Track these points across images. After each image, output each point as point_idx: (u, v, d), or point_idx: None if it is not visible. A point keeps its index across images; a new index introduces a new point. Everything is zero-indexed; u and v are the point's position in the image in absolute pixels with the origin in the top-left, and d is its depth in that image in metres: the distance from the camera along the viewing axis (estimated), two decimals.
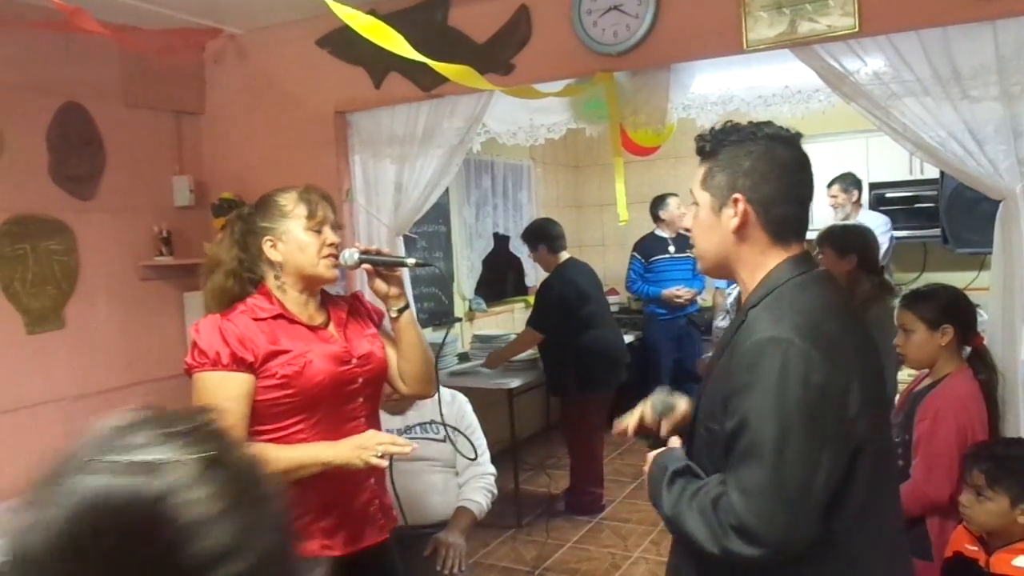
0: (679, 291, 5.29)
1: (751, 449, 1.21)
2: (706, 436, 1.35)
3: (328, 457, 1.76)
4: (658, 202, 5.46)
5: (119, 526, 0.54)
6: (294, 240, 1.86)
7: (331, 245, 1.88)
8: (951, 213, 4.23)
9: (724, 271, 1.44)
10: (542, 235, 4.45)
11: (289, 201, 1.88)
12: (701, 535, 1.25)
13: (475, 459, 2.69)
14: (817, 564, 1.25)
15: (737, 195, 1.34)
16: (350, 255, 1.91)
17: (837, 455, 1.22)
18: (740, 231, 1.35)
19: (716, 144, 1.39)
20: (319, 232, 1.87)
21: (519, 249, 5.62)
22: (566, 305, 4.27)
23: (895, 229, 4.97)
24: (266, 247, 1.87)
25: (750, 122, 1.40)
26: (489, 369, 4.47)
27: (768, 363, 1.22)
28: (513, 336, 4.87)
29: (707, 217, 1.40)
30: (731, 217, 1.35)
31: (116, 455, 0.59)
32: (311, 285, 1.91)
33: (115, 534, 0.54)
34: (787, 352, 1.21)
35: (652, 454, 1.49)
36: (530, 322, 4.37)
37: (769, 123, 1.39)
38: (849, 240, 3.07)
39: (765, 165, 1.34)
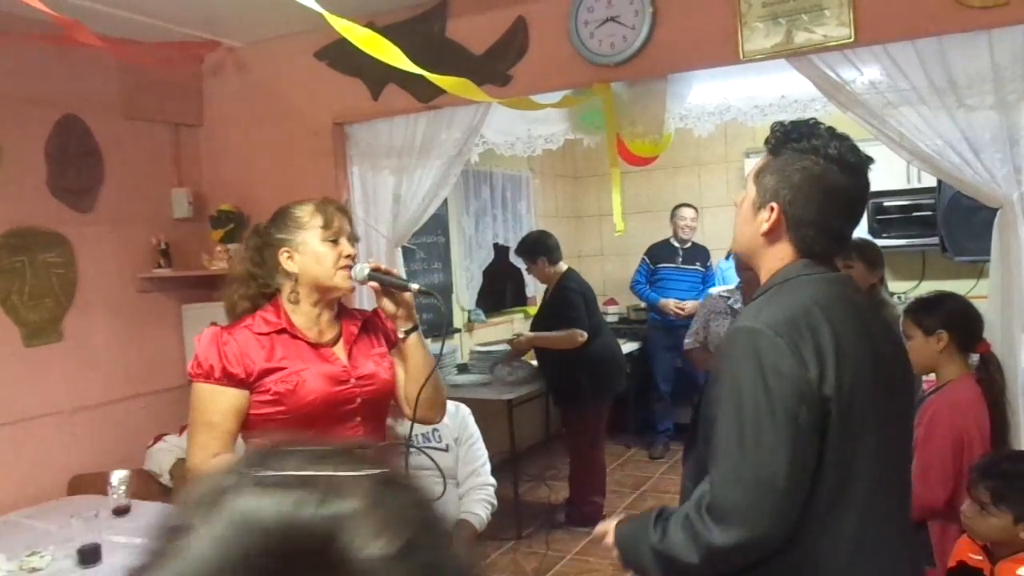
0: (679, 304, 5.32)
1: (725, 435, 1.25)
2: (704, 423, 1.37)
3: None
4: (674, 210, 5.59)
5: (279, 553, 0.44)
6: (311, 251, 1.84)
7: (348, 257, 1.86)
8: (949, 221, 4.23)
9: (749, 262, 1.47)
10: (541, 248, 4.41)
11: (305, 213, 1.87)
12: (684, 547, 1.26)
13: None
14: (775, 562, 1.25)
15: (774, 203, 1.34)
16: (360, 269, 1.89)
17: (809, 444, 1.23)
18: (768, 235, 1.37)
19: (780, 143, 1.36)
20: (335, 243, 1.86)
21: (520, 260, 5.62)
22: (587, 308, 4.28)
23: (894, 238, 4.99)
24: (282, 258, 1.86)
25: (827, 129, 1.35)
26: (516, 349, 4.42)
27: (737, 351, 1.26)
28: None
29: (747, 209, 1.41)
30: (764, 220, 1.36)
31: (268, 470, 0.48)
32: (326, 297, 1.89)
33: (273, 561, 0.43)
34: (754, 340, 1.24)
35: (612, 523, 1.48)
36: (575, 324, 4.17)
37: (843, 140, 1.33)
38: (879, 255, 3.07)
39: (812, 187, 1.32)
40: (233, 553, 0.43)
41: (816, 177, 1.32)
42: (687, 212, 5.51)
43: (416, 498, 0.49)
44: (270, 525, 0.44)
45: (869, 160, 1.36)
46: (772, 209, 1.34)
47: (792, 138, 1.35)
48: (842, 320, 1.29)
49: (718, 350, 1.34)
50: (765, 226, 1.36)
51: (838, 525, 1.27)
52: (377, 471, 0.48)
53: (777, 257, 1.38)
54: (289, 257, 1.86)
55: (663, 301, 5.36)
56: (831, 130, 1.35)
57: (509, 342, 4.53)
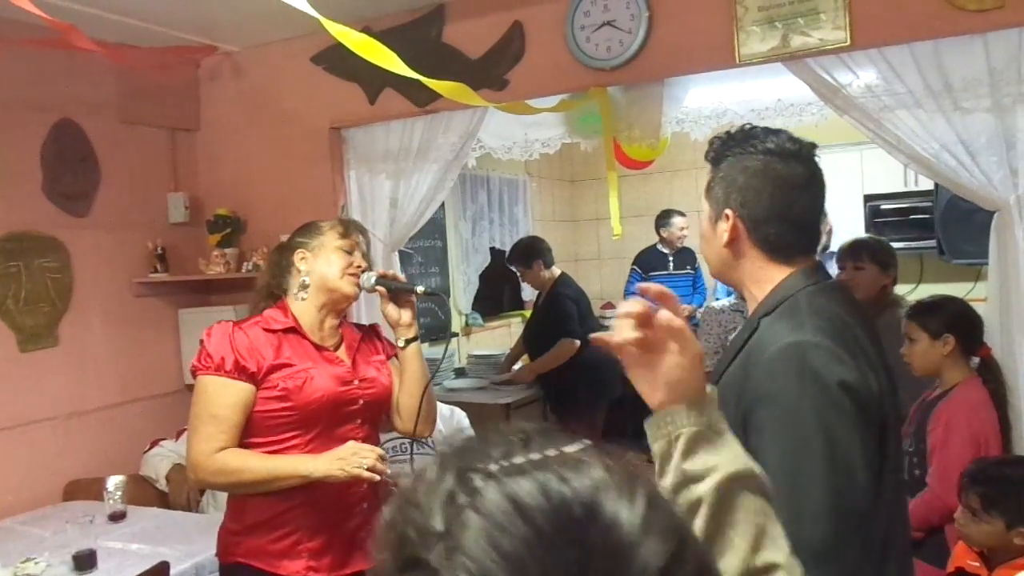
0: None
1: (791, 464, 1.11)
2: None
3: (307, 469, 1.76)
4: (662, 218, 5.52)
5: (562, 531, 0.44)
6: (324, 254, 1.94)
7: (357, 267, 1.94)
8: (946, 224, 4.25)
9: (727, 281, 1.42)
10: (536, 252, 4.40)
11: (328, 224, 2.00)
12: None
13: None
14: None
15: (728, 211, 1.31)
16: (368, 277, 1.96)
17: (873, 461, 1.14)
18: (731, 246, 1.32)
19: (719, 154, 1.34)
20: (349, 253, 1.95)
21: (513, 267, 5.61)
22: (580, 313, 4.26)
23: (891, 240, 4.97)
24: (297, 258, 1.95)
25: (762, 129, 1.33)
26: (523, 382, 4.43)
27: (794, 368, 1.14)
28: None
29: (707, 227, 1.37)
30: (723, 231, 1.32)
31: (532, 455, 0.48)
32: (332, 300, 1.95)
33: (558, 539, 0.44)
34: (813, 354, 1.14)
35: None
36: (567, 333, 4.19)
37: (779, 133, 1.32)
38: (891, 255, 3.06)
39: (759, 183, 1.28)
40: (513, 540, 0.43)
41: (759, 172, 1.29)
42: (680, 221, 5.46)
43: (629, 458, 0.51)
44: (541, 506, 0.44)
45: (811, 145, 1.33)
46: (727, 217, 1.31)
47: (729, 146, 1.33)
48: (865, 329, 1.25)
49: (759, 370, 1.19)
50: (725, 236, 1.31)
51: (897, 545, 1.21)
52: (586, 443, 0.50)
53: (755, 266, 1.32)
54: (303, 258, 1.95)
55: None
56: (766, 129, 1.33)
57: (511, 378, 4.51)
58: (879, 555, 1.19)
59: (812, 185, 1.32)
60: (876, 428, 1.17)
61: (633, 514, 0.45)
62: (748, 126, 1.35)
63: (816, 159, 1.33)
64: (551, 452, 0.49)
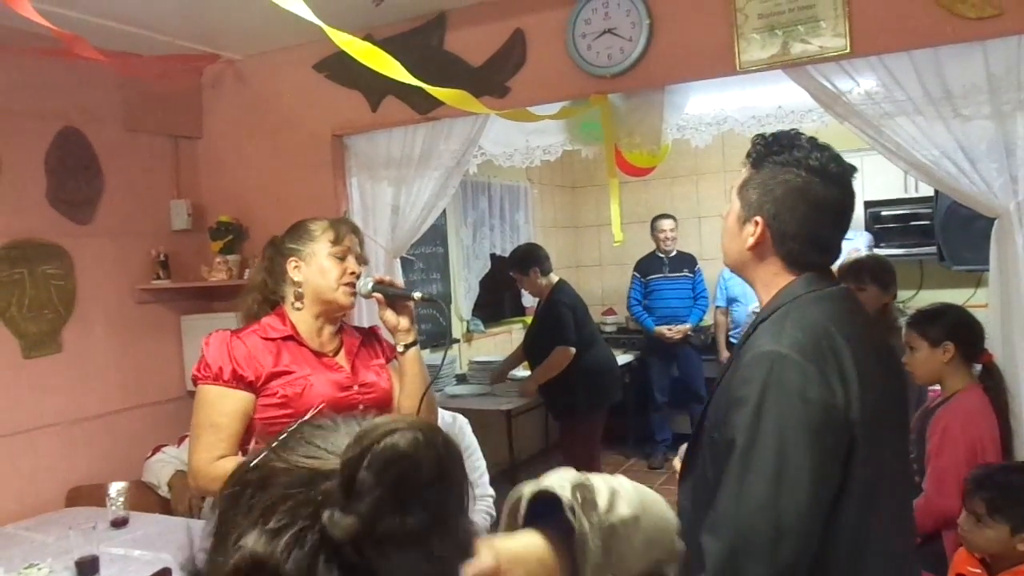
0: (669, 330, 5.44)
1: (749, 463, 1.19)
2: (710, 444, 1.34)
3: None
4: (653, 222, 5.65)
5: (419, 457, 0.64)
6: (317, 263, 1.92)
7: (352, 274, 1.93)
8: (947, 231, 4.25)
9: (741, 275, 1.45)
10: (534, 259, 4.39)
11: (319, 228, 1.96)
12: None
13: None
14: None
15: (758, 218, 1.33)
16: (364, 284, 1.95)
17: (834, 472, 1.20)
18: (755, 249, 1.35)
19: (761, 157, 1.35)
20: (342, 260, 1.93)
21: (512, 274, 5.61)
22: (577, 321, 4.27)
23: (891, 247, 5.00)
24: (290, 267, 1.93)
25: (809, 139, 1.34)
26: (528, 396, 4.41)
27: (763, 377, 1.20)
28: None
29: (732, 224, 1.40)
30: (749, 234, 1.35)
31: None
32: (328, 310, 1.94)
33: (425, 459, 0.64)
34: (782, 366, 1.20)
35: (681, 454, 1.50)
36: (562, 341, 4.20)
37: (824, 151, 1.32)
38: (892, 274, 3.06)
39: (795, 199, 1.30)
40: (388, 464, 0.63)
41: (798, 190, 1.30)
42: (666, 223, 5.58)
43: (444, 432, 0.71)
44: (407, 449, 0.64)
45: (852, 169, 1.34)
46: (757, 223, 1.33)
47: (773, 151, 1.33)
48: (857, 338, 1.27)
49: (739, 373, 1.27)
50: (751, 240, 1.35)
51: (869, 544, 1.24)
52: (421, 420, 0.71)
53: (770, 272, 1.36)
54: (296, 267, 1.93)
55: (657, 330, 5.47)
56: (812, 140, 1.34)
57: (518, 391, 4.50)
58: (848, 556, 1.22)
59: (844, 210, 1.35)
60: (843, 441, 1.20)
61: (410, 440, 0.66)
62: (794, 132, 1.37)
63: (853, 183, 1.35)
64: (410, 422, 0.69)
